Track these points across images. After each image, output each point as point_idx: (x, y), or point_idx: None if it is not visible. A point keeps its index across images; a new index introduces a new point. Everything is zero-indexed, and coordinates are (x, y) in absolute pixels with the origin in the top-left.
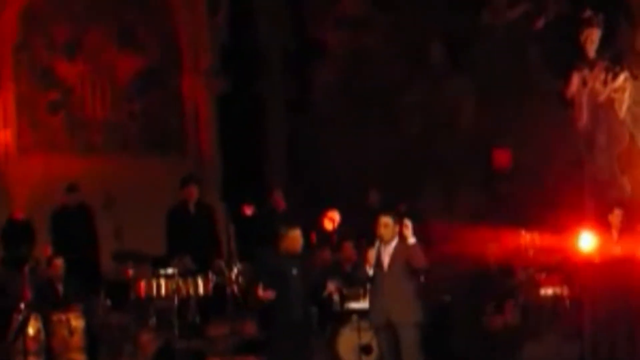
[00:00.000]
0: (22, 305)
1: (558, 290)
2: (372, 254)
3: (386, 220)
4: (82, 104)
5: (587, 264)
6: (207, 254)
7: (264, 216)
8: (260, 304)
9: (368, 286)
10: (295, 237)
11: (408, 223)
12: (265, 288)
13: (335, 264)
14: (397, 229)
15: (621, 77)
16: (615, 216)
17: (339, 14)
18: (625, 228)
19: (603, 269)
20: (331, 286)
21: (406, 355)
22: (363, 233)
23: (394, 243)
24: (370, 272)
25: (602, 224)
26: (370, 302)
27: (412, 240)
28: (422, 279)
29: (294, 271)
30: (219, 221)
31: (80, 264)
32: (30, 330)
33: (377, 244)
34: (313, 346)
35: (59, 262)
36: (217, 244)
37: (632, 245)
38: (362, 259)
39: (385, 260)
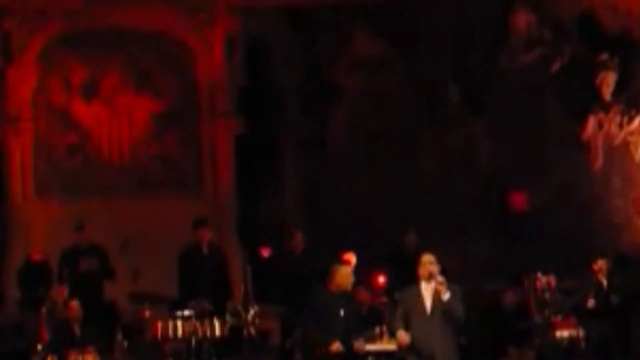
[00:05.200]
0: (39, 347)
1: (574, 332)
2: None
3: (430, 257)
4: (100, 146)
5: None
6: (220, 295)
7: (282, 258)
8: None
9: (384, 327)
10: (346, 274)
11: (442, 280)
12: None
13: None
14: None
15: (637, 120)
16: (599, 265)
17: (355, 55)
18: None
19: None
20: (358, 345)
21: None
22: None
23: (433, 282)
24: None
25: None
26: (411, 344)
27: (447, 296)
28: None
29: (341, 312)
30: (235, 262)
31: (97, 305)
32: None
33: (422, 284)
34: None
35: (76, 303)
36: (229, 286)
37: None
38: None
39: (428, 301)
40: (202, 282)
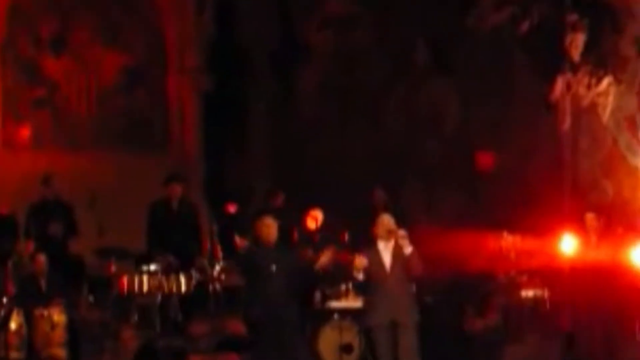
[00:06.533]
0: (5, 300)
1: (539, 292)
2: (360, 261)
3: (388, 217)
4: (68, 101)
5: (568, 267)
6: (190, 251)
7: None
8: None
9: (349, 285)
10: (268, 224)
11: (404, 233)
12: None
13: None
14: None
15: (605, 82)
16: (589, 220)
17: (325, 13)
18: (605, 231)
19: (583, 272)
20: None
21: (405, 357)
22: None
23: (393, 242)
24: (360, 276)
25: (581, 228)
26: (370, 302)
27: (409, 249)
28: (413, 287)
29: (273, 267)
30: (202, 219)
31: (63, 260)
32: (12, 325)
33: (380, 244)
34: (297, 345)
35: (42, 257)
36: (199, 242)
37: (611, 249)
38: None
39: (387, 260)
40: (170, 237)
